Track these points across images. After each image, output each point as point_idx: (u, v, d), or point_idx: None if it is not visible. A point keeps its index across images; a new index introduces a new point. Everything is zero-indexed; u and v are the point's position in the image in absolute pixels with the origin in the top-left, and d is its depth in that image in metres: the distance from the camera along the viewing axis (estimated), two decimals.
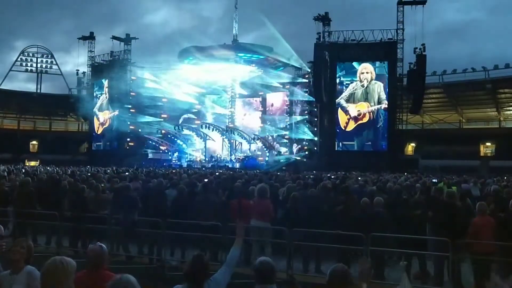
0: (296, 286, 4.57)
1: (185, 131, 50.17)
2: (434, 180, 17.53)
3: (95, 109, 52.77)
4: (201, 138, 50.59)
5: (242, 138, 48.63)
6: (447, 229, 8.04)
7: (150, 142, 50.16)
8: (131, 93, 49.50)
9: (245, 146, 49.58)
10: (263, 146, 48.03)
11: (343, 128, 41.75)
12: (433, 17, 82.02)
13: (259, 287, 3.71)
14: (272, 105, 52.90)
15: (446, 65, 49.77)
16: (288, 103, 50.18)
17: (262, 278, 3.75)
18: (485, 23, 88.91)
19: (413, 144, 50.15)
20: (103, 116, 52.39)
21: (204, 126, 48.99)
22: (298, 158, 44.67)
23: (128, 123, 49.07)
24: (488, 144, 47.90)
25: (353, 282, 3.47)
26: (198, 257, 3.80)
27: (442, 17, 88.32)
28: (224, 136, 49.39)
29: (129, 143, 49.33)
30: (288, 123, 49.91)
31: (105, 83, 51.33)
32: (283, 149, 49.38)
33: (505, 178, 21.60)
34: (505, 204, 8.70)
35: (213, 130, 48.44)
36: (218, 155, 49.02)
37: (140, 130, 49.48)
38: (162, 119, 51.91)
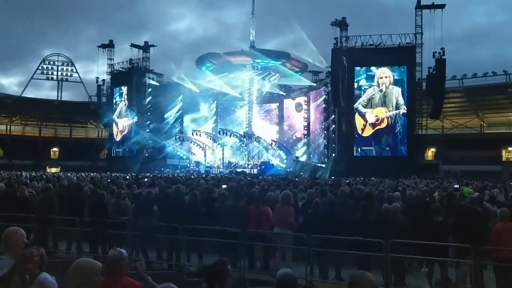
0: None
1: (203, 137, 50.37)
2: (456, 186, 17.24)
3: (114, 116, 53.37)
4: (219, 145, 50.74)
5: (259, 144, 48.63)
6: (469, 235, 7.91)
7: (168, 148, 50.49)
8: (149, 100, 49.98)
9: (263, 152, 49.51)
10: (281, 152, 47.93)
11: (360, 133, 41.42)
12: (459, 21, 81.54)
13: None
14: (289, 110, 52.85)
15: (472, 68, 49.12)
16: (306, 108, 50.09)
17: None
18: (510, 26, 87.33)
19: (433, 149, 49.56)
20: (122, 123, 52.95)
21: (221, 132, 49.15)
22: (317, 163, 44.48)
23: (147, 129, 49.53)
24: (510, 148, 47.06)
25: None
26: (221, 261, 3.81)
27: (467, 20, 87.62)
28: (242, 143, 49.44)
29: (148, 149, 49.75)
30: (306, 128, 49.81)
31: (124, 90, 51.92)
32: (301, 154, 49.24)
33: None
34: None
35: (230, 136, 48.56)
36: (236, 162, 49.09)
37: (158, 136, 49.87)
38: (180, 125, 52.31)
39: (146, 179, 19.67)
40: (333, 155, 43.03)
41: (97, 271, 3.40)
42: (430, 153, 49.75)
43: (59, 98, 65.44)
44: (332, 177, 29.19)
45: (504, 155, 47.28)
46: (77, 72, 69.05)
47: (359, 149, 41.51)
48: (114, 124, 53.87)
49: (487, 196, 12.36)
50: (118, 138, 53.69)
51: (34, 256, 4.00)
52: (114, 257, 4.09)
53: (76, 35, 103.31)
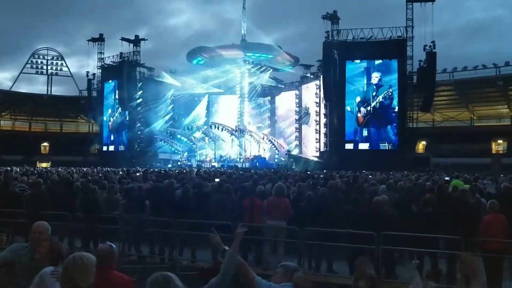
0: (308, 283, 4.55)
1: (194, 131, 50.29)
2: (446, 178, 17.39)
3: (105, 110, 53.07)
4: (210, 139, 50.68)
5: (251, 138, 48.65)
6: (460, 227, 7.99)
7: (160, 142, 50.35)
8: (140, 94, 49.75)
9: (254, 145, 49.54)
10: (273, 146, 47.99)
11: (355, 125, 41.44)
12: (457, 16, 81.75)
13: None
14: (280, 104, 52.89)
15: (468, 63, 49.24)
16: (297, 102, 50.16)
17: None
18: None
19: (424, 142, 49.85)
20: (113, 117, 52.67)
21: (213, 126, 49.08)
22: (308, 157, 44.62)
23: (138, 124, 49.33)
24: (500, 141, 47.48)
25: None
26: (217, 262, 4.03)
27: (465, 15, 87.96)
28: (234, 136, 49.42)
29: (139, 144, 49.58)
30: (298, 122, 49.90)
31: (115, 84, 51.63)
32: (292, 148, 49.36)
33: None
34: None
35: (222, 130, 48.53)
36: (228, 156, 49.08)
37: (149, 130, 49.72)
38: (171, 119, 52.19)
39: (138, 174, 19.61)
40: (325, 148, 43.15)
41: (92, 266, 3.42)
42: (421, 146, 50.04)
43: (49, 93, 64.92)
44: (324, 171, 29.28)
45: (494, 147, 47.68)
46: (67, 66, 68.55)
47: (349, 143, 41.48)
48: (105, 118, 53.56)
49: (478, 188, 12.48)
50: (109, 133, 53.41)
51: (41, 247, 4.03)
52: (104, 250, 4.09)
53: (69, 30, 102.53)
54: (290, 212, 9.55)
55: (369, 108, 41.25)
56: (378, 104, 41.06)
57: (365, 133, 41.45)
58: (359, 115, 41.47)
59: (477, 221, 8.21)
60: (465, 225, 8.04)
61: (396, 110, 40.54)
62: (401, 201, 9.86)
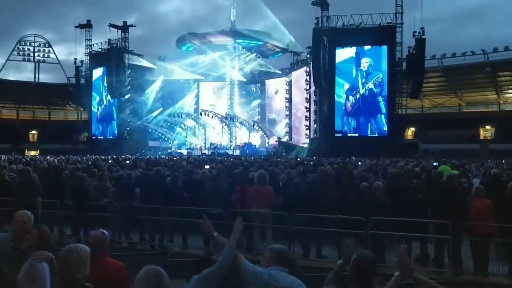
0: (297, 268, 4.59)
1: (184, 118, 50.11)
2: (434, 164, 17.56)
3: (94, 98, 52.64)
4: (200, 126, 50.57)
5: (241, 125, 48.61)
6: (448, 212, 8.09)
7: (150, 130, 50.11)
8: (129, 81, 49.35)
9: (245, 133, 49.54)
10: (263, 133, 48.04)
11: (343, 114, 41.50)
12: (451, 1, 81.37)
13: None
14: (270, 91, 52.85)
15: (460, 49, 49.30)
16: (287, 89, 50.14)
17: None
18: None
19: (413, 129, 50.16)
20: (102, 106, 52.28)
21: (203, 113, 48.92)
22: (299, 144, 44.77)
23: (127, 111, 48.99)
24: (488, 127, 47.92)
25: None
26: (209, 253, 4.04)
27: (460, 1, 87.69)
28: (224, 124, 49.35)
29: (129, 132, 49.31)
30: (288, 109, 49.94)
31: (103, 71, 51.14)
32: (283, 135, 49.46)
33: (504, 161, 21.62)
34: (504, 187, 8.74)
35: (212, 117, 48.40)
36: (218, 143, 49.04)
37: (139, 118, 49.43)
38: (160, 107, 51.93)
39: (127, 161, 19.55)
40: (315, 135, 43.28)
41: (87, 257, 3.43)
42: (410, 132, 50.35)
43: (37, 80, 64.17)
44: (314, 157, 29.40)
45: (482, 133, 48.12)
46: (54, 53, 67.69)
47: (339, 129, 41.58)
48: (93, 106, 53.15)
49: (465, 174, 12.64)
50: (98, 121, 53.04)
51: (30, 235, 4.03)
52: (97, 237, 4.11)
53: (57, 16, 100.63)
54: (272, 199, 9.59)
55: (357, 95, 41.23)
56: (367, 91, 41.07)
57: (353, 123, 41.45)
58: (347, 103, 41.45)
59: (464, 206, 8.32)
60: (453, 210, 8.14)
61: (386, 97, 40.56)
62: (389, 188, 9.95)
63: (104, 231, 4.21)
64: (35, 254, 3.82)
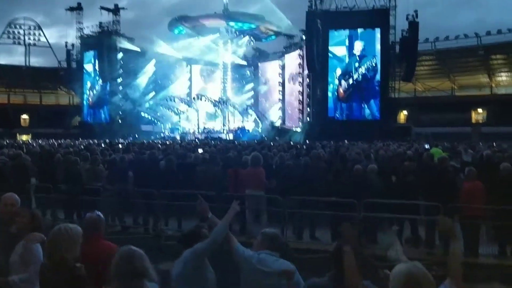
0: (289, 251, 4.64)
1: (177, 102, 49.85)
2: (426, 146, 17.68)
3: (85, 83, 52.19)
4: (193, 110, 50.35)
5: (235, 109, 48.48)
6: (439, 194, 8.17)
7: (142, 114, 49.86)
8: (121, 65, 48.95)
9: (238, 117, 49.40)
10: (256, 117, 47.96)
11: (337, 96, 41.43)
12: None
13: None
14: (264, 74, 52.64)
15: (454, 31, 49.13)
16: (280, 72, 49.96)
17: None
18: None
19: (405, 112, 50.28)
20: (93, 91, 51.87)
21: (196, 97, 48.70)
22: (291, 128, 44.79)
23: (119, 95, 48.66)
24: (480, 110, 48.15)
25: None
26: (198, 226, 4.03)
27: None
28: (217, 108, 49.17)
29: (121, 116, 49.04)
30: (281, 93, 49.83)
31: (94, 55, 50.65)
32: (276, 119, 49.42)
33: (495, 144, 21.78)
34: (496, 169, 8.83)
35: (205, 101, 48.22)
36: (211, 127, 48.93)
37: (131, 102, 49.12)
38: (153, 91, 51.62)
39: (120, 145, 19.51)
40: (308, 119, 43.29)
41: (77, 237, 3.43)
42: (403, 116, 50.48)
43: (28, 64, 63.46)
44: (307, 141, 29.46)
45: (474, 117, 48.36)
46: (45, 36, 66.80)
47: (333, 113, 41.55)
48: (85, 90, 52.72)
49: (456, 156, 12.74)
50: (90, 105, 52.68)
51: (22, 217, 4.03)
52: (92, 219, 4.12)
53: None
54: (264, 182, 9.62)
55: (350, 81, 41.10)
56: (360, 76, 40.98)
57: (346, 110, 41.29)
58: (340, 89, 41.31)
59: (455, 188, 8.40)
60: (444, 192, 8.22)
61: (379, 82, 40.46)
62: (381, 171, 10.02)
63: (99, 213, 4.23)
64: (28, 236, 3.84)
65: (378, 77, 40.49)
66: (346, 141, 25.16)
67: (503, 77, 51.31)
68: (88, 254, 3.55)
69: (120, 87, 48.90)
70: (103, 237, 4.14)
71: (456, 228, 3.16)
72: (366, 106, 40.87)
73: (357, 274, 3.09)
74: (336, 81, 41.22)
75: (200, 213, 4.05)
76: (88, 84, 52.19)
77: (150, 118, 50.17)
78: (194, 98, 49.24)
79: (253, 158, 9.86)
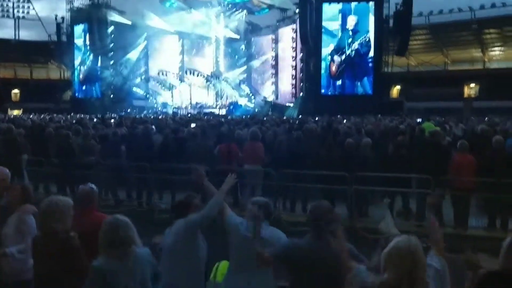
0: (282, 223, 4.70)
1: (169, 77, 49.45)
2: (418, 120, 17.77)
3: (76, 57, 51.51)
4: (186, 85, 49.98)
5: (227, 84, 48.20)
6: (431, 168, 8.24)
7: (134, 89, 49.46)
8: (112, 39, 48.26)
9: (230, 92, 49.12)
10: (249, 92, 47.75)
11: (329, 73, 41.20)
12: None
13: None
14: (257, 49, 52.19)
15: (450, 4, 48.58)
16: (273, 47, 49.55)
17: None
18: None
19: (398, 87, 50.22)
20: (84, 66, 51.23)
21: (188, 72, 48.29)
22: (284, 103, 44.69)
23: (111, 69, 48.14)
24: (472, 85, 48.17)
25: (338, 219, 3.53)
26: (189, 196, 4.08)
27: None
28: (210, 82, 48.86)
29: (113, 91, 48.61)
30: (274, 67, 49.53)
31: (84, 28, 49.84)
32: (269, 94, 49.26)
33: (486, 118, 21.90)
34: (488, 142, 8.90)
35: (197, 76, 47.85)
36: (204, 102, 48.69)
37: (123, 77, 48.67)
38: (145, 65, 51.14)
39: (112, 120, 19.42)
40: (301, 94, 43.16)
41: (68, 210, 3.47)
42: (396, 91, 50.40)
43: (17, 38, 62.38)
44: (300, 116, 29.47)
45: (466, 91, 48.42)
46: (34, 9, 65.53)
47: (326, 88, 41.37)
48: (76, 64, 52.06)
49: (447, 130, 12.82)
50: (81, 79, 52.10)
51: (13, 190, 4.06)
52: (85, 191, 4.14)
53: None
54: (263, 156, 9.68)
55: (343, 56, 40.76)
56: (353, 52, 40.60)
57: (338, 87, 41.02)
58: (332, 66, 41.01)
59: (446, 161, 8.47)
60: (436, 165, 8.29)
61: (372, 57, 40.14)
62: (374, 144, 10.06)
63: (92, 185, 4.24)
64: (21, 208, 3.86)
65: (371, 53, 40.18)
66: (339, 116, 25.18)
67: (496, 51, 51.25)
68: (81, 225, 3.58)
69: (111, 62, 48.32)
70: (97, 209, 4.16)
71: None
72: (359, 84, 40.67)
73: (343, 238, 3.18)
74: (329, 58, 40.89)
75: (196, 180, 4.07)
76: (79, 59, 51.49)
77: (142, 93, 49.80)
78: (186, 73, 48.85)
79: (252, 133, 9.93)
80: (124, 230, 3.10)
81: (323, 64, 40.68)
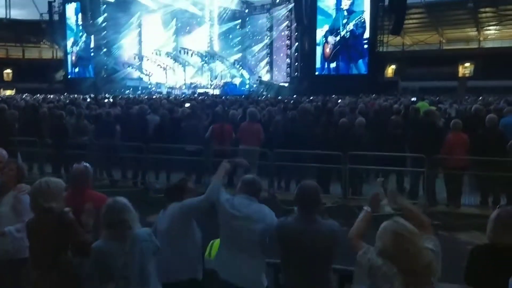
0: (276, 202, 4.73)
1: (163, 57, 49.01)
2: (413, 99, 17.80)
3: (68, 37, 50.91)
4: (180, 64, 49.59)
5: (222, 63, 47.86)
6: (425, 147, 8.28)
7: (128, 68, 49.03)
8: (105, 17, 47.65)
9: (225, 72, 48.80)
10: (244, 72, 47.45)
11: (323, 55, 40.92)
12: None
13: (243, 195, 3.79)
14: (251, 28, 51.72)
15: None
16: (268, 26, 49.11)
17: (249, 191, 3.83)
18: None
19: (393, 67, 50.07)
20: (77, 46, 50.67)
21: (182, 51, 47.86)
22: (279, 83, 44.52)
23: (104, 49, 47.65)
24: (467, 64, 48.10)
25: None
26: (183, 180, 4.11)
27: None
28: (204, 62, 48.47)
29: (106, 70, 48.23)
30: (268, 47, 49.17)
31: (76, 7, 49.16)
32: (264, 74, 49.00)
33: (480, 98, 21.97)
34: (482, 122, 8.94)
35: (191, 55, 47.45)
36: (198, 82, 48.38)
37: (116, 56, 48.24)
38: (138, 44, 50.68)
39: (106, 100, 19.32)
40: (296, 74, 42.97)
41: (64, 188, 3.49)
42: (390, 70, 50.27)
43: (8, 17, 61.50)
44: (295, 96, 29.42)
45: (461, 71, 48.38)
46: None
47: (320, 68, 41.17)
48: (69, 44, 51.49)
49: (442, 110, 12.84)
50: (74, 59, 51.61)
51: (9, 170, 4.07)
52: (79, 170, 4.15)
53: None
54: (262, 136, 9.68)
55: (338, 38, 40.37)
56: (348, 33, 40.19)
57: (333, 71, 40.71)
58: (326, 48, 40.68)
59: (440, 140, 8.52)
60: (430, 144, 8.33)
61: (367, 39, 39.74)
62: (368, 124, 10.08)
63: (87, 164, 4.24)
64: (17, 188, 3.86)
65: (366, 34, 39.80)
66: (334, 95, 25.15)
67: (491, 30, 51.06)
68: (76, 203, 3.59)
69: (105, 41, 47.80)
70: (91, 188, 4.17)
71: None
72: (354, 66, 40.37)
73: None
74: (323, 39, 40.53)
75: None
76: (72, 39, 50.90)
77: (135, 72, 49.40)
78: (180, 52, 48.42)
79: (250, 114, 9.90)
80: (121, 212, 3.16)
81: (319, 46, 40.36)
